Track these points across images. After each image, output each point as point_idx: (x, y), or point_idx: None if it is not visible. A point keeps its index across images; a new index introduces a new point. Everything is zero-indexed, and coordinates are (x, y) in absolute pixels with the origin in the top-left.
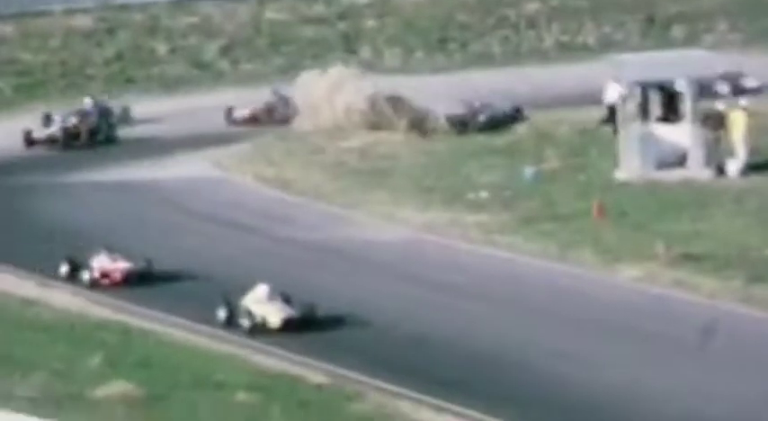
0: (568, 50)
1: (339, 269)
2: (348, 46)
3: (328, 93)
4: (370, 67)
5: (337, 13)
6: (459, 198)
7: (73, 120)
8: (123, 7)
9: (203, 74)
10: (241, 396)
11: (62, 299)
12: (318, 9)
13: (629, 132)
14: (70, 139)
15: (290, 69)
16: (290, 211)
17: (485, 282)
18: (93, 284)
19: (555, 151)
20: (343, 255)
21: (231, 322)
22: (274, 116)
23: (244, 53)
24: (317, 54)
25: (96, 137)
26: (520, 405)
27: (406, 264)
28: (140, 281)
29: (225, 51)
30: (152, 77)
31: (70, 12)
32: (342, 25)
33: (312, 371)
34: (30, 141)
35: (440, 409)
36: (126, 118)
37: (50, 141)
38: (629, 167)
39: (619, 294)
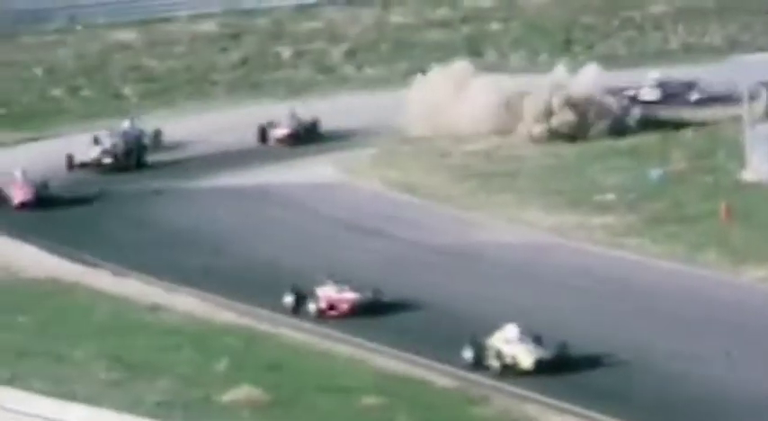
0: (694, 51)
1: (474, 273)
2: (473, 49)
3: (453, 93)
4: (496, 69)
5: (461, 17)
6: (586, 200)
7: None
8: (248, 13)
9: (328, 78)
10: (368, 400)
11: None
12: (443, 13)
13: (757, 133)
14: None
15: (415, 73)
16: (416, 215)
17: (613, 285)
18: (320, 315)
19: (681, 152)
20: (474, 258)
21: (479, 363)
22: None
23: (368, 57)
24: (442, 57)
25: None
26: (638, 406)
27: (534, 267)
28: (367, 311)
29: (349, 56)
30: (278, 82)
31: (195, 18)
32: (466, 28)
33: (437, 374)
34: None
35: (563, 411)
36: (157, 142)
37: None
38: (757, 168)
39: (744, 295)
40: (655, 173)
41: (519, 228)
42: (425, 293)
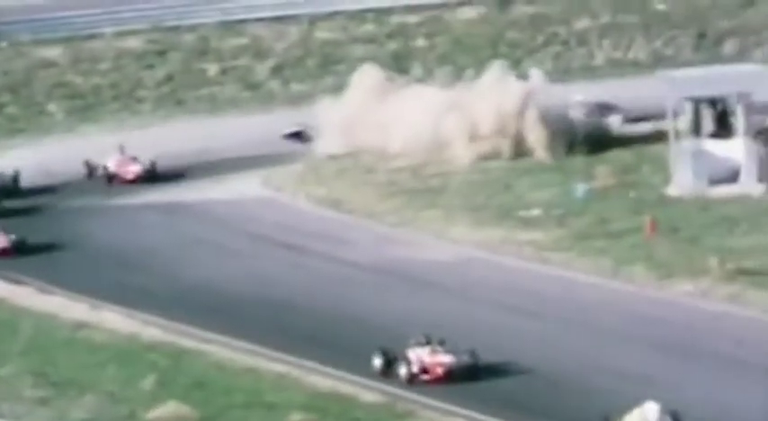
0: (620, 66)
1: (398, 290)
2: (399, 65)
3: (375, 105)
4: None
5: (387, 33)
6: (512, 215)
7: None
8: (173, 29)
9: (254, 95)
10: (295, 416)
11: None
12: (368, 28)
13: (682, 148)
14: None
15: (341, 89)
16: (342, 232)
17: (538, 300)
18: (411, 380)
19: (607, 168)
20: (400, 275)
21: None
22: None
23: (295, 73)
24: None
25: None
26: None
27: (461, 284)
28: (465, 376)
29: (276, 72)
30: (202, 99)
31: (121, 34)
32: (392, 44)
33: (364, 390)
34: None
35: None
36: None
37: None
38: (682, 183)
39: (668, 310)
40: (581, 188)
41: (445, 243)
42: (349, 309)
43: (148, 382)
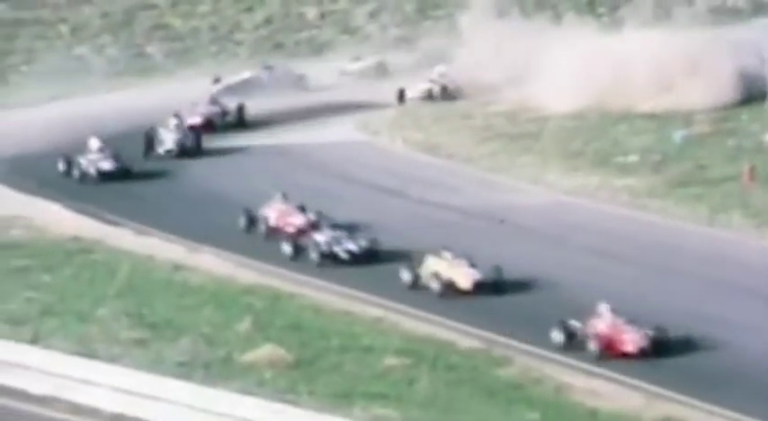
0: (719, 13)
1: (494, 235)
2: (498, 9)
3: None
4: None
5: None
6: (608, 162)
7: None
8: None
9: (352, 38)
10: (390, 360)
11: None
12: None
13: None
14: None
15: (438, 33)
16: (439, 176)
17: (634, 246)
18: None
19: (705, 115)
20: (496, 220)
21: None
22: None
23: (392, 17)
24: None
25: None
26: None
27: (556, 229)
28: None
29: (374, 16)
30: (300, 42)
31: None
32: None
33: (461, 336)
34: None
35: (590, 374)
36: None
37: None
38: None
39: (766, 257)
40: (678, 135)
41: (541, 189)
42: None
43: (244, 325)
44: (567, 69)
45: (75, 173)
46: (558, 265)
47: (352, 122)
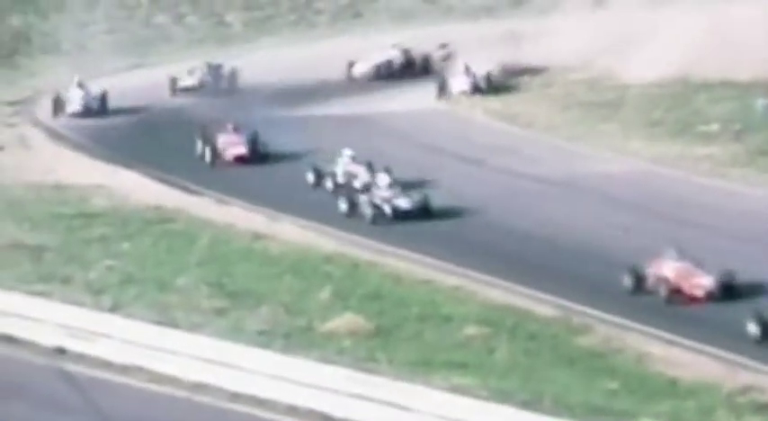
0: None
1: (576, 204)
2: None
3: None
4: None
5: None
6: (689, 130)
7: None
8: None
9: (433, 7)
10: (470, 329)
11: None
12: None
13: None
14: None
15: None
16: (520, 145)
17: (715, 215)
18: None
19: None
20: (577, 188)
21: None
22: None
23: None
24: None
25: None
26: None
27: (637, 198)
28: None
29: None
30: (380, 11)
31: None
32: None
33: (539, 304)
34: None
35: (670, 343)
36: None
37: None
38: None
39: None
40: (760, 103)
41: (622, 158)
42: (534, 224)
43: (324, 294)
44: (652, 39)
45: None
46: (637, 234)
47: (430, 91)
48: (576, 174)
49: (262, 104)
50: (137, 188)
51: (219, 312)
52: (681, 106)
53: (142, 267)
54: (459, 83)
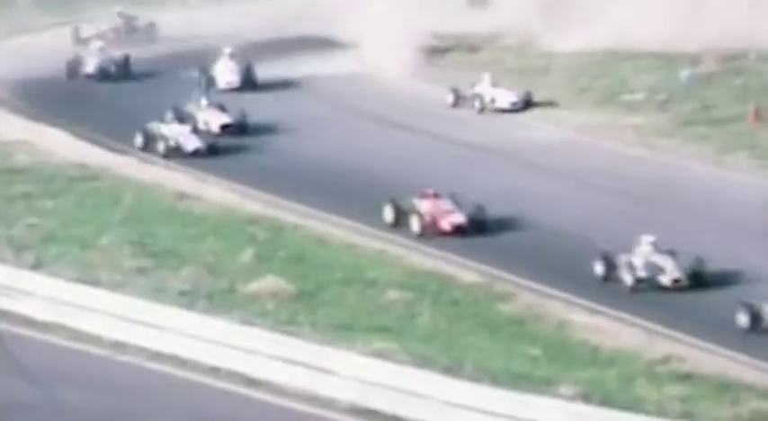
0: None
1: (503, 170)
2: None
3: None
4: None
5: None
6: (614, 100)
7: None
8: None
9: None
10: (393, 294)
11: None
12: None
13: None
14: None
15: None
16: (447, 111)
17: (639, 184)
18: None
19: (712, 54)
20: (504, 155)
21: None
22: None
23: None
24: None
25: None
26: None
27: (561, 166)
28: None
29: None
30: None
31: None
32: None
33: (463, 270)
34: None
35: (593, 312)
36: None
37: None
38: None
39: None
40: (684, 74)
41: (548, 125)
42: (455, 188)
43: (247, 255)
44: (581, 8)
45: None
46: (562, 202)
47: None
48: (501, 140)
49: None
50: (61, 145)
51: (142, 271)
52: (607, 75)
53: (65, 225)
54: None
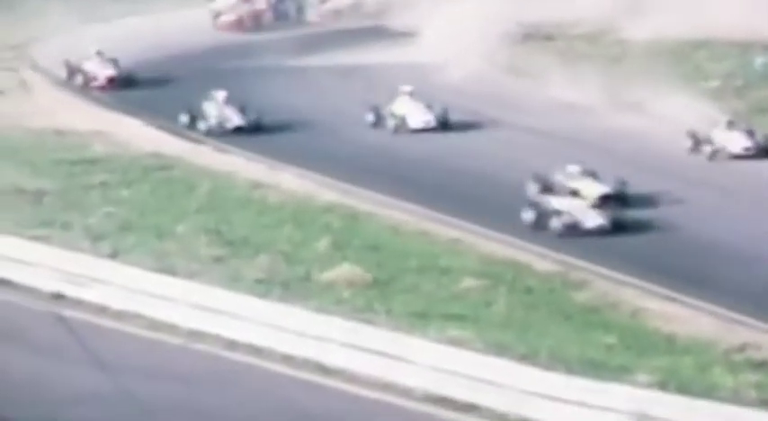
0: None
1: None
2: None
3: None
4: None
5: None
6: (690, 86)
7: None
8: None
9: None
10: (467, 282)
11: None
12: None
13: None
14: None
15: None
16: (519, 98)
17: (714, 170)
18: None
19: None
20: (574, 141)
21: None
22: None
23: None
24: None
25: None
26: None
27: (632, 153)
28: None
29: None
30: None
31: None
32: None
33: (538, 258)
34: None
35: (669, 299)
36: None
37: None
38: None
39: None
40: (759, 62)
41: (622, 111)
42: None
43: (323, 244)
44: None
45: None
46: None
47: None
48: (576, 128)
49: None
50: (137, 135)
51: (218, 260)
52: (682, 62)
53: (141, 214)
54: None
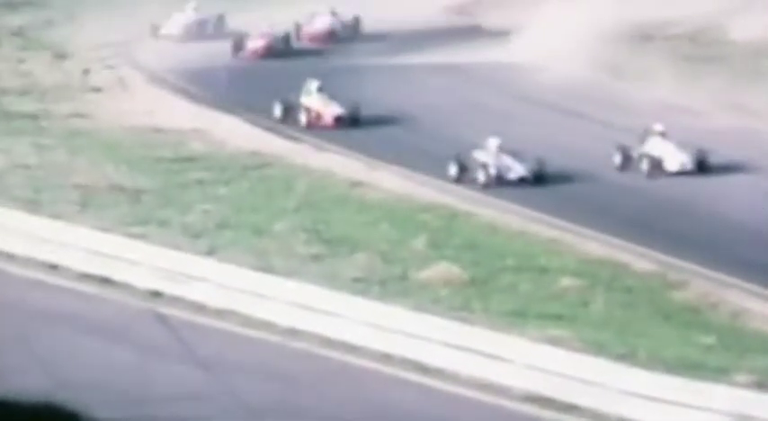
0: None
1: None
2: None
3: None
4: None
5: None
6: None
7: None
8: None
9: None
10: (566, 282)
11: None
12: None
13: None
14: None
15: None
16: (618, 97)
17: None
18: None
19: None
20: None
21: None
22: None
23: None
24: None
25: None
26: None
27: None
28: None
29: None
30: None
31: None
32: None
33: (636, 258)
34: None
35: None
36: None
37: None
38: None
39: None
40: None
41: (723, 111)
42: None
43: (420, 242)
44: None
45: None
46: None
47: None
48: (674, 128)
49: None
50: (235, 133)
51: (315, 258)
52: None
53: (239, 212)
54: None
